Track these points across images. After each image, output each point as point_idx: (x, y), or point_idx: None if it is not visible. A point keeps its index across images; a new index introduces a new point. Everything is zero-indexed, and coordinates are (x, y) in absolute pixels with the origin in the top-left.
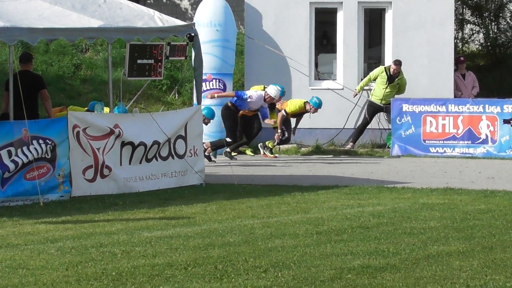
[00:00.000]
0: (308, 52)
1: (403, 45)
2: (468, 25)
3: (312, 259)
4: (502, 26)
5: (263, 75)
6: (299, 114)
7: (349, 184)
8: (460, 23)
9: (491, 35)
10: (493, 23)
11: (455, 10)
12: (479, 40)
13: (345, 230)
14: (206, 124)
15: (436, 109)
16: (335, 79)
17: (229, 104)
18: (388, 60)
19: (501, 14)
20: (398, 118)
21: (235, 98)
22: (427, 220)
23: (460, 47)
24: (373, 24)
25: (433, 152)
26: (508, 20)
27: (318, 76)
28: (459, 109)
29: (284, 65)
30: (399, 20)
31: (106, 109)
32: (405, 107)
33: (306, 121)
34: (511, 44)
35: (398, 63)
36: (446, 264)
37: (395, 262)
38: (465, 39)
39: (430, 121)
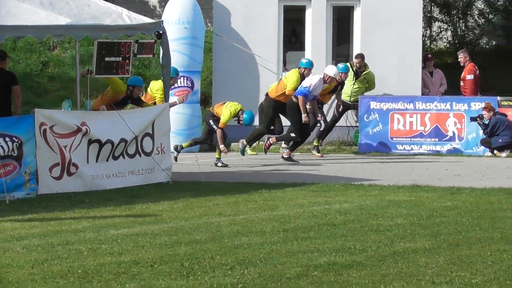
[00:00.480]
0: (276, 50)
1: (371, 42)
2: (436, 22)
3: (279, 257)
4: (470, 23)
5: (231, 73)
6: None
7: (316, 181)
8: (428, 20)
9: (459, 33)
10: (461, 21)
11: (423, 8)
12: (447, 37)
13: (312, 227)
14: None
15: (404, 106)
16: None
17: (295, 100)
18: None
19: (469, 12)
20: (366, 115)
21: (299, 92)
22: (393, 217)
23: (428, 44)
24: (342, 21)
25: (400, 150)
26: (476, 17)
27: None
28: (426, 106)
29: (253, 63)
30: (368, 18)
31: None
32: (373, 105)
33: None
34: (479, 41)
35: (359, 56)
36: (412, 261)
37: (361, 259)
38: (433, 37)
39: (398, 119)
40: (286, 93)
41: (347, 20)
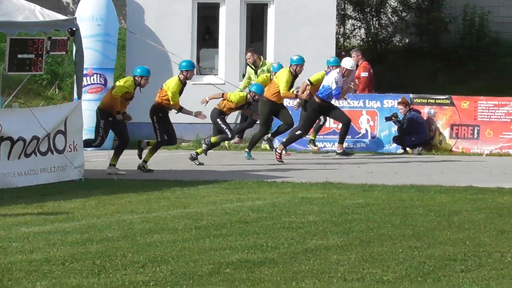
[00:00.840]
0: (190, 47)
1: (285, 40)
2: (350, 20)
3: (191, 254)
4: (383, 21)
5: None
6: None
7: (229, 178)
8: (342, 18)
9: (373, 31)
10: (375, 19)
11: (337, 6)
12: (361, 35)
13: (224, 224)
14: (257, 101)
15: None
16: (217, 74)
17: (317, 100)
18: (270, 55)
19: (382, 10)
20: None
21: (322, 91)
22: (306, 215)
23: (342, 42)
24: (256, 19)
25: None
26: (389, 15)
27: (200, 71)
28: (339, 104)
29: (166, 60)
30: (282, 15)
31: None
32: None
33: (187, 116)
34: (392, 39)
35: (248, 51)
36: (324, 258)
37: (274, 257)
38: (347, 34)
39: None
40: (281, 95)
41: (261, 18)
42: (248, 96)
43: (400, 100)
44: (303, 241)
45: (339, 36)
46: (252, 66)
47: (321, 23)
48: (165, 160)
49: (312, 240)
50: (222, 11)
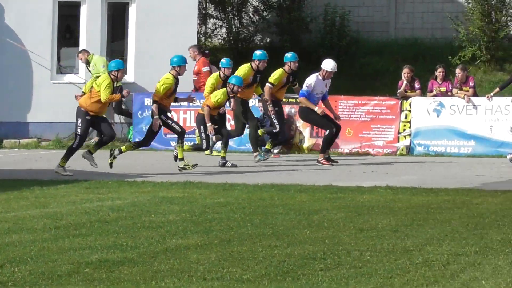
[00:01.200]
0: (50, 46)
1: (146, 39)
2: (212, 19)
3: (50, 254)
4: (244, 21)
5: (5, 69)
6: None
7: (89, 178)
8: (203, 17)
9: (234, 30)
10: (236, 18)
11: (198, 5)
12: (222, 34)
13: (84, 224)
14: (236, 93)
15: (178, 103)
16: (77, 73)
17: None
18: (131, 54)
19: (243, 9)
20: (140, 112)
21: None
22: (166, 214)
23: (203, 41)
24: (117, 18)
25: (173, 146)
26: (251, 14)
27: (60, 70)
28: (200, 103)
29: (26, 59)
30: (143, 14)
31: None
32: (147, 101)
33: (47, 115)
34: (253, 38)
35: (79, 52)
36: (184, 258)
37: (133, 256)
38: (208, 34)
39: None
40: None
41: (122, 17)
42: (228, 89)
43: (260, 98)
44: (163, 241)
45: (201, 35)
46: (87, 65)
47: (183, 22)
48: (24, 159)
49: (172, 239)
50: (83, 10)
